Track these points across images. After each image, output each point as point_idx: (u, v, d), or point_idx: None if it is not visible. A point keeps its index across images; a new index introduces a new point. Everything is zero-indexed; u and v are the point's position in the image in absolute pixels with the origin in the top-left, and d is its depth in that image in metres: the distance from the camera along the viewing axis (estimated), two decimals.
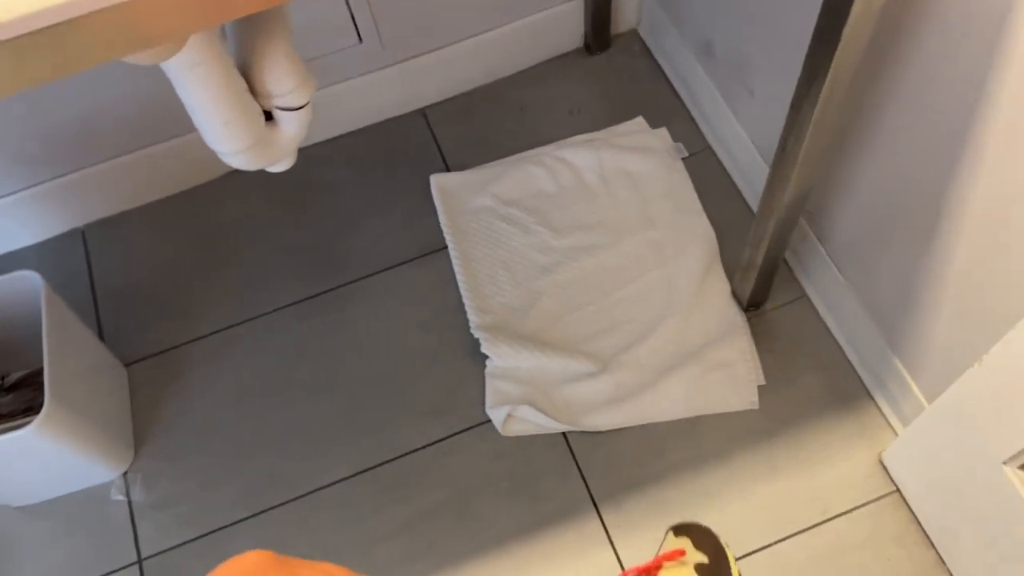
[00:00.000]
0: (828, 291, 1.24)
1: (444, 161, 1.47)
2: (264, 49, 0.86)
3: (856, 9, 0.73)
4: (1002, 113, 0.78)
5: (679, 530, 0.85)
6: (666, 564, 0.78)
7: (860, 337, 1.20)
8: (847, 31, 0.74)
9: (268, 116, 0.93)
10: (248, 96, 0.88)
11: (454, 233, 1.38)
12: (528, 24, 1.48)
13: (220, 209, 1.46)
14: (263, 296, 1.37)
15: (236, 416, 1.28)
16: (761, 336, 1.26)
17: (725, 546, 0.82)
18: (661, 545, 0.86)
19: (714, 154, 1.43)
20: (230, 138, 0.89)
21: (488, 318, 1.29)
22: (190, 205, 1.47)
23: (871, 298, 1.14)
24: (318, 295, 1.36)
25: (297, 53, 0.89)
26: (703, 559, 0.80)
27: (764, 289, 1.24)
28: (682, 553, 0.80)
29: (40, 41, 0.45)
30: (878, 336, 1.15)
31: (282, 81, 0.89)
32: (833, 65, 0.77)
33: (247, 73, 0.88)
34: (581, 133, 1.47)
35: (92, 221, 1.46)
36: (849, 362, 1.23)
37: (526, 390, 1.22)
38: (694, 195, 1.38)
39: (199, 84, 0.81)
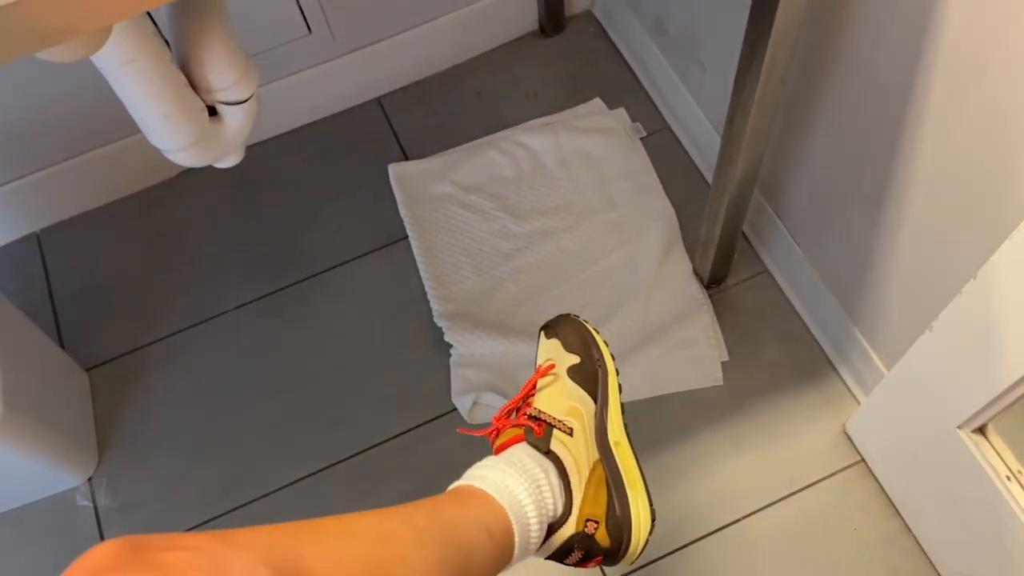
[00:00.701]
0: (788, 265, 1.24)
1: (402, 150, 1.46)
2: (201, 42, 0.85)
3: None
4: (940, 77, 0.79)
5: (549, 331, 0.82)
6: (539, 384, 0.75)
7: (821, 309, 1.20)
8: (782, 5, 0.74)
9: (212, 111, 0.91)
10: (188, 91, 0.86)
11: (414, 222, 1.37)
12: (482, 8, 1.47)
13: (177, 208, 1.44)
14: (224, 294, 1.36)
15: (200, 416, 1.27)
16: (724, 312, 1.26)
17: (594, 332, 0.79)
18: (537, 349, 0.83)
19: (672, 132, 1.43)
20: (172, 135, 0.88)
21: (451, 306, 1.28)
22: (146, 205, 1.45)
23: (829, 270, 1.15)
24: (279, 290, 1.35)
25: (237, 45, 0.87)
26: (574, 360, 0.77)
27: (724, 265, 1.25)
28: (552, 367, 0.77)
29: None
30: (838, 307, 1.15)
31: (222, 74, 0.87)
32: (771, 40, 0.77)
33: (187, 68, 0.87)
34: (539, 116, 1.46)
35: (47, 225, 1.44)
36: (811, 334, 1.24)
37: (491, 376, 1.22)
38: (653, 175, 1.38)
39: (134, 80, 0.80)
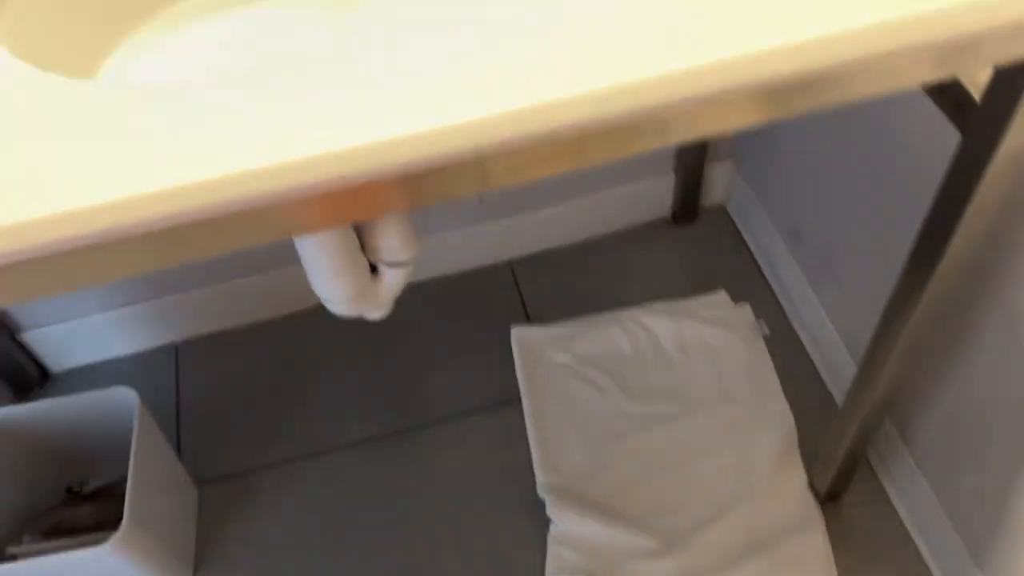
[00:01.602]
0: (910, 495, 1.19)
1: (526, 314, 1.51)
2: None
3: (961, 231, 0.74)
4: None
5: None
6: None
7: (942, 548, 1.14)
8: (948, 254, 0.75)
9: (372, 268, 0.98)
10: (359, 252, 0.93)
11: (529, 387, 1.39)
12: (620, 193, 1.54)
13: (307, 339, 1.52)
14: (336, 430, 1.40)
15: (296, 550, 1.28)
16: (836, 531, 1.21)
17: None
18: None
19: (796, 337, 1.43)
20: (337, 288, 0.94)
21: (556, 477, 1.28)
22: (280, 332, 1.53)
23: (957, 509, 1.10)
24: (389, 436, 1.38)
25: (408, 214, 0.94)
26: None
27: (843, 483, 1.21)
28: None
29: (187, 233, 0.49)
30: (962, 549, 1.09)
31: (391, 241, 0.94)
32: (930, 285, 0.78)
33: (359, 229, 0.94)
34: (663, 300, 1.49)
35: (187, 337, 1.53)
36: (929, 572, 1.17)
37: (588, 561, 1.19)
38: (774, 376, 1.37)
39: (318, 244, 0.86)
